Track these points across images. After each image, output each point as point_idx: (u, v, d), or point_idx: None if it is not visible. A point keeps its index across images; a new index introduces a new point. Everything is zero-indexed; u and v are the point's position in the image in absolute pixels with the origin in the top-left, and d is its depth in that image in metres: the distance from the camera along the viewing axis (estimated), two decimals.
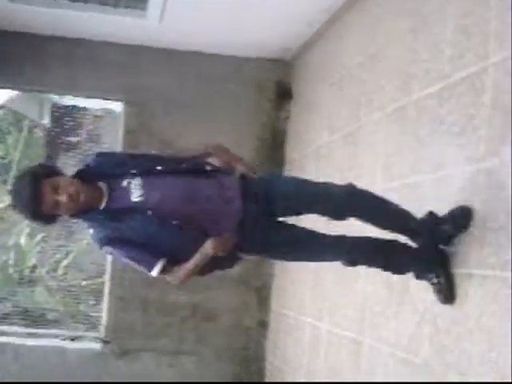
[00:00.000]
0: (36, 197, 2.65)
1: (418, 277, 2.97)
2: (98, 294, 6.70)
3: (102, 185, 2.82)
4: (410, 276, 3.01)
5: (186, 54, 6.04)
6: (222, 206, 2.80)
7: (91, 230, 2.86)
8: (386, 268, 3.02)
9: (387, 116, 3.83)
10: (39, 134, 8.24)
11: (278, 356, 5.68)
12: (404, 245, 2.97)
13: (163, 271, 2.79)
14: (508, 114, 2.59)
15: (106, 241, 2.81)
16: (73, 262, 7.45)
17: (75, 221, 3.22)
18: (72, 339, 6.36)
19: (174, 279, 2.83)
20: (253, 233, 2.83)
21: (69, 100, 7.19)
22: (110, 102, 6.46)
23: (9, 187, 2.75)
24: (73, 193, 2.69)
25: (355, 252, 2.90)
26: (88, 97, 6.44)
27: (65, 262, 7.50)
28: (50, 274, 7.49)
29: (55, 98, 7.33)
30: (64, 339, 6.43)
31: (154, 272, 2.77)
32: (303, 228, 2.98)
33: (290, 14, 5.07)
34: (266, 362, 6.00)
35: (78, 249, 7.45)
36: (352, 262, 2.92)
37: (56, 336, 6.46)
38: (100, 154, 2.99)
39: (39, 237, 7.56)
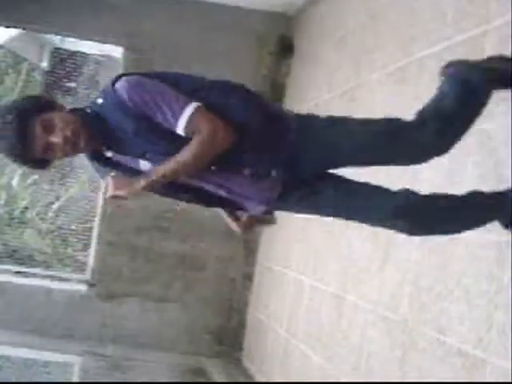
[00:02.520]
0: (23, 138, 2.10)
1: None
2: (86, 237, 6.73)
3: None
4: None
5: (188, 2, 5.98)
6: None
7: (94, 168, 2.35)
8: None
9: (387, 75, 3.81)
10: (38, 77, 8.17)
11: (259, 309, 5.73)
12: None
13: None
14: None
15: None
16: (64, 206, 7.47)
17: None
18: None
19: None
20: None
21: (69, 44, 7.12)
22: (110, 46, 6.42)
23: None
24: (69, 134, 2.14)
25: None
26: (89, 39, 6.38)
27: (56, 205, 7.51)
28: (41, 216, 7.50)
29: (56, 41, 7.25)
30: (51, 280, 6.48)
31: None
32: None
33: None
34: (248, 314, 6.07)
35: (69, 193, 7.46)
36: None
37: (43, 276, 6.50)
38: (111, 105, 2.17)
39: (31, 179, 7.56)
